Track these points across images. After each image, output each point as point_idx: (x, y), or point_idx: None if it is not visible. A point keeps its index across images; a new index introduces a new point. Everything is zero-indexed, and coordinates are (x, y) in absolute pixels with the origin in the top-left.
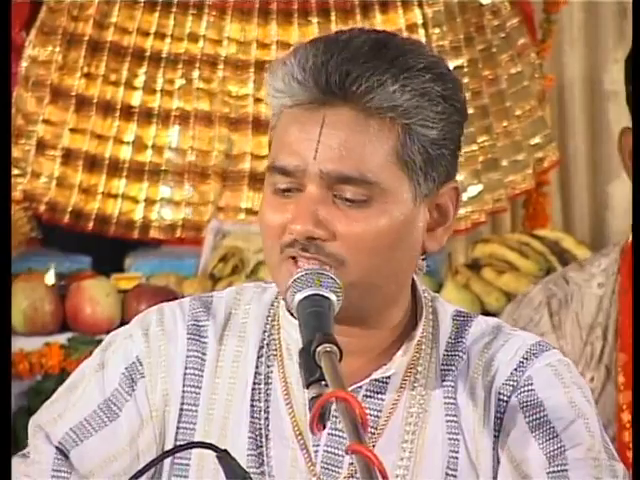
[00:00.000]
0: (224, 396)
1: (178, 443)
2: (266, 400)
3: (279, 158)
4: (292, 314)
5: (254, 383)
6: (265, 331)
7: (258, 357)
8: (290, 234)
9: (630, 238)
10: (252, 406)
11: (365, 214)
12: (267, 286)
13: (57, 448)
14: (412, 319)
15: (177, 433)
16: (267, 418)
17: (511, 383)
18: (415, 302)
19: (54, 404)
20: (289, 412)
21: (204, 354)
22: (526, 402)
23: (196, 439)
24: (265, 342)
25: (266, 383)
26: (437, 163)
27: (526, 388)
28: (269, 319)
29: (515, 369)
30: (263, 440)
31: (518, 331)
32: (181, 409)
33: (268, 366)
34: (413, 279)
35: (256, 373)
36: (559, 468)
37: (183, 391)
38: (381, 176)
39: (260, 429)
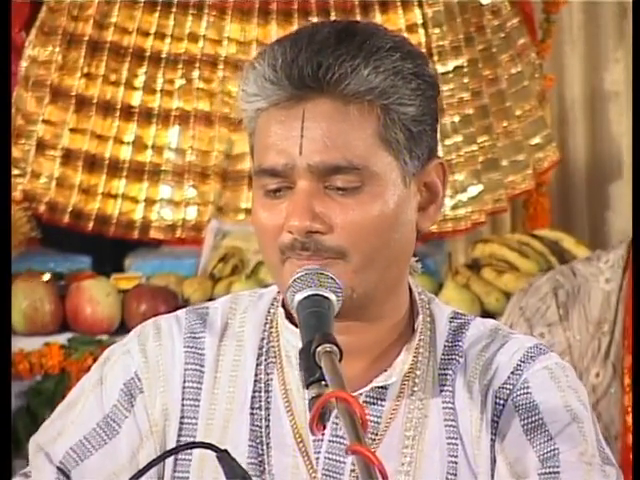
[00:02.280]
0: (224, 405)
1: (179, 457)
2: (267, 408)
3: (265, 160)
4: (290, 320)
5: (254, 391)
6: (263, 338)
7: (257, 365)
8: (289, 232)
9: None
10: (252, 414)
11: (359, 200)
12: (263, 292)
13: (58, 468)
14: (410, 322)
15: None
16: (268, 426)
17: (508, 387)
18: (412, 305)
19: (54, 422)
20: (290, 419)
21: (202, 366)
22: (522, 405)
23: (195, 451)
24: (264, 349)
25: (266, 391)
26: (419, 140)
27: (522, 391)
28: (267, 326)
29: (512, 372)
30: (264, 448)
31: (516, 333)
32: (181, 422)
33: (268, 373)
34: (409, 282)
35: (255, 381)
36: (551, 470)
37: (182, 404)
38: (369, 160)
39: (260, 437)
